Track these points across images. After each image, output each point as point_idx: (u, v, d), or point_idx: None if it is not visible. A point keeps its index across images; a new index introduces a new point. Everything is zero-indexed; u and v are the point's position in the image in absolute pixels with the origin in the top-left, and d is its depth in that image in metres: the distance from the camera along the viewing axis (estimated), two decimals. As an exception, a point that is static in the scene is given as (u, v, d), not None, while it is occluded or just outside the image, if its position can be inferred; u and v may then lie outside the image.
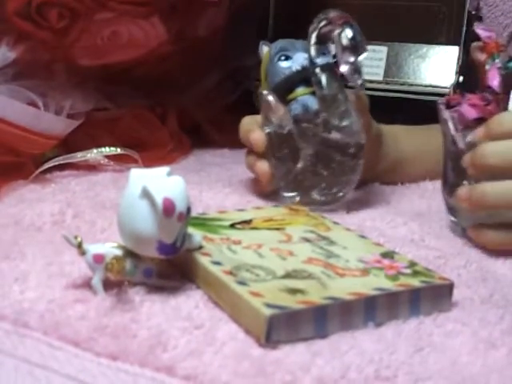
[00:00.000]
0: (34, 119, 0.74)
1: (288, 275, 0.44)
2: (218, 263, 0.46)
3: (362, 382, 0.36)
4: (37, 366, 0.36)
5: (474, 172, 0.56)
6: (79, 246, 0.43)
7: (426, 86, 0.91)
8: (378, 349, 0.39)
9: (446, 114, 0.59)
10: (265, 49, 0.70)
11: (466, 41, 0.91)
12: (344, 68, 0.61)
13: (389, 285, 0.44)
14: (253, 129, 0.67)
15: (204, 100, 1.00)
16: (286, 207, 0.61)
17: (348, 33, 0.61)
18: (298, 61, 0.66)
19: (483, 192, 0.55)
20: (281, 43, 0.69)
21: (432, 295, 0.44)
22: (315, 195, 0.65)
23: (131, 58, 0.83)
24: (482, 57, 0.62)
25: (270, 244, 0.50)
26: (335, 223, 0.57)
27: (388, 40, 0.94)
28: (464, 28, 0.91)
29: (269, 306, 0.39)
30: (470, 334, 0.41)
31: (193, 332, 0.40)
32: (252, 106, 1.04)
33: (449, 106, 0.60)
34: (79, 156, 0.76)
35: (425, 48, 0.94)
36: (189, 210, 0.44)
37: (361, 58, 0.61)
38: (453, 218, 0.62)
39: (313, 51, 0.64)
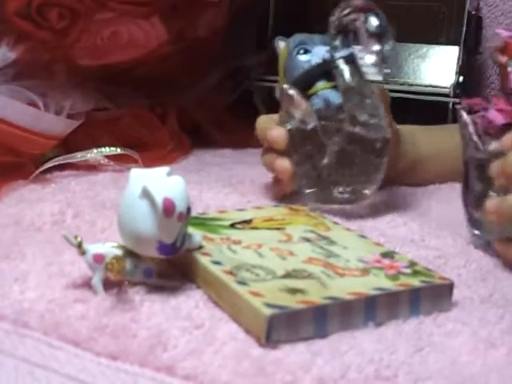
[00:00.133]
0: (34, 119, 0.74)
1: (288, 275, 0.44)
2: (218, 263, 0.46)
3: (362, 381, 0.36)
4: (37, 366, 0.36)
5: (504, 182, 0.52)
6: (79, 245, 0.43)
7: (426, 86, 0.91)
8: (378, 348, 0.39)
9: (468, 119, 0.56)
10: (281, 44, 0.68)
11: (466, 41, 0.91)
12: (370, 58, 0.59)
13: (389, 284, 0.44)
14: (271, 126, 0.65)
15: (204, 100, 1.00)
16: (286, 207, 0.61)
17: (373, 20, 0.58)
18: (318, 54, 0.64)
19: None
20: (299, 37, 0.66)
21: (432, 295, 0.44)
22: (338, 194, 0.63)
23: (131, 58, 0.83)
24: (503, 59, 0.59)
25: (270, 244, 0.50)
26: (335, 223, 0.57)
27: (388, 40, 0.94)
28: (464, 28, 0.91)
29: (269, 305, 0.39)
30: (469, 333, 0.41)
31: (193, 332, 0.40)
32: (252, 105, 1.05)
33: (471, 111, 0.57)
34: (79, 156, 0.76)
35: (425, 48, 0.94)
36: (189, 209, 0.44)
37: (387, 47, 0.59)
38: (476, 231, 0.57)
39: (334, 42, 0.62)
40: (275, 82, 0.99)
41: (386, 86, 0.91)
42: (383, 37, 0.58)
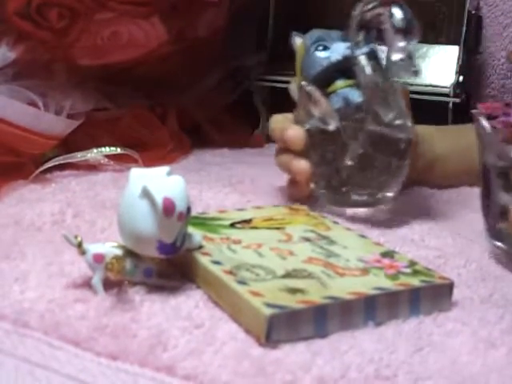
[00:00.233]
0: (34, 119, 0.74)
1: (288, 275, 0.44)
2: (218, 263, 0.46)
3: (362, 381, 0.36)
4: (37, 366, 0.37)
5: None
6: (79, 245, 0.43)
7: (426, 86, 0.91)
8: (378, 348, 0.39)
9: (487, 125, 0.52)
10: (298, 40, 0.65)
11: (466, 40, 0.91)
12: (396, 55, 0.55)
13: (389, 284, 0.44)
14: (288, 126, 0.63)
15: (204, 100, 1.00)
16: (286, 206, 0.61)
17: (399, 14, 0.55)
18: (337, 50, 0.61)
19: None
20: (316, 33, 0.64)
21: (432, 295, 0.44)
22: (357, 196, 0.60)
23: (131, 58, 0.83)
24: None
25: (269, 243, 0.50)
26: (335, 223, 0.57)
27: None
28: (464, 28, 0.91)
29: (269, 305, 0.39)
30: (469, 333, 0.41)
31: (193, 332, 0.40)
32: (252, 105, 1.05)
33: (490, 117, 0.53)
34: (79, 156, 0.76)
35: (425, 48, 0.94)
36: (189, 209, 0.44)
37: (413, 42, 0.55)
38: (497, 243, 0.54)
39: (356, 38, 0.59)
40: (275, 82, 1.00)
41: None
42: (410, 32, 0.55)
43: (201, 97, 1.00)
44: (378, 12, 0.57)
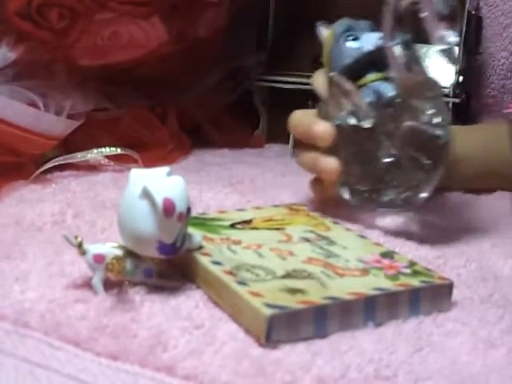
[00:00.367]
0: (35, 120, 0.74)
1: (288, 275, 0.44)
2: (218, 263, 0.46)
3: (362, 381, 0.36)
4: (37, 366, 0.37)
5: None
6: (79, 245, 0.43)
7: (426, 86, 0.91)
8: (377, 348, 0.39)
9: None
10: (324, 30, 0.61)
11: (466, 41, 0.91)
12: (439, 45, 0.51)
13: (388, 285, 0.44)
14: (315, 121, 0.59)
15: (204, 100, 1.00)
16: (285, 207, 0.61)
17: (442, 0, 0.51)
18: (368, 41, 0.58)
19: None
20: (346, 22, 0.60)
21: (432, 295, 0.44)
22: (388, 197, 0.57)
23: (131, 59, 0.83)
24: None
25: (269, 244, 0.50)
26: (335, 223, 0.57)
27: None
28: (464, 28, 0.91)
29: (269, 305, 0.39)
30: (469, 333, 0.41)
31: (193, 332, 0.40)
32: (252, 105, 1.05)
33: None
34: (79, 156, 0.76)
35: (425, 48, 0.94)
36: (189, 210, 0.44)
37: (456, 31, 0.51)
38: None
39: (390, 28, 0.55)
40: (275, 82, 1.00)
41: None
42: (453, 19, 0.51)
43: (201, 97, 1.00)
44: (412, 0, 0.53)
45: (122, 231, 0.45)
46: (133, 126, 0.88)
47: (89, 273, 0.44)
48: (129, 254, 0.45)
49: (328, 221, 0.57)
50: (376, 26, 0.59)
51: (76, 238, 0.43)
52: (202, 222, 0.54)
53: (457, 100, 0.88)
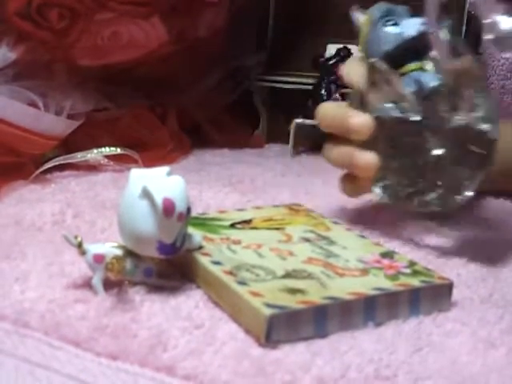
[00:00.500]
0: (35, 120, 0.74)
1: (288, 275, 0.44)
2: (218, 263, 0.46)
3: (362, 381, 0.36)
4: (37, 366, 0.37)
5: None
6: (79, 245, 0.43)
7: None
8: (377, 348, 0.39)
9: None
10: (359, 16, 0.57)
11: (466, 40, 0.91)
12: (492, 32, 0.47)
13: (388, 285, 0.44)
14: (352, 113, 0.55)
15: (204, 100, 1.00)
16: (285, 207, 0.61)
17: None
18: (410, 26, 0.54)
19: None
20: (385, 6, 0.56)
21: (431, 295, 0.44)
22: (428, 196, 0.53)
23: (131, 59, 0.83)
24: None
25: (269, 244, 0.50)
26: (335, 223, 0.57)
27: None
28: (464, 28, 0.91)
29: (269, 305, 0.39)
30: (469, 333, 0.41)
31: (193, 332, 0.40)
32: (252, 105, 1.05)
33: None
34: (79, 156, 0.76)
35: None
36: (189, 209, 0.44)
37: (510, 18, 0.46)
38: None
39: (436, 11, 0.50)
40: (275, 82, 1.00)
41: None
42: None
43: (201, 97, 1.00)
44: None
45: (121, 231, 0.45)
46: (133, 125, 0.88)
47: (89, 273, 0.44)
48: (129, 253, 0.45)
49: (328, 220, 0.57)
50: (414, 13, 0.55)
51: (76, 237, 0.43)
52: (202, 222, 0.54)
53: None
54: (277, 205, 0.63)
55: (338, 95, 0.92)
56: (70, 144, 0.79)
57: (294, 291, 0.41)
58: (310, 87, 0.95)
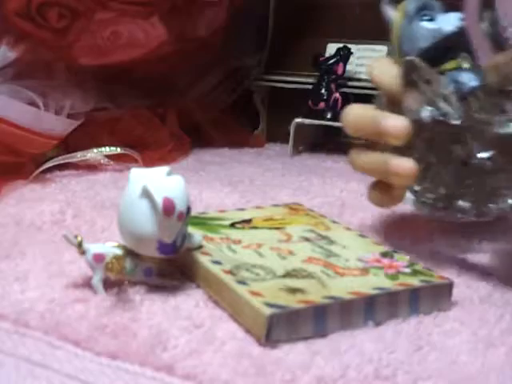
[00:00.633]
0: (35, 119, 0.74)
1: (288, 274, 0.44)
2: (218, 263, 0.46)
3: (362, 381, 0.36)
4: (37, 366, 0.37)
5: None
6: (79, 245, 0.43)
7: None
8: (377, 348, 0.39)
9: None
10: (390, 9, 0.53)
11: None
12: None
13: (388, 284, 0.44)
14: (385, 115, 0.50)
15: (204, 100, 1.00)
16: (285, 206, 0.61)
17: None
18: (447, 21, 0.50)
19: None
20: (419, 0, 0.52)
21: (431, 294, 0.44)
22: (465, 204, 0.50)
23: (131, 58, 0.83)
24: None
25: (269, 243, 0.50)
26: (335, 222, 0.57)
27: (387, 39, 0.94)
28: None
29: (269, 305, 0.39)
30: (469, 333, 0.41)
31: (193, 331, 0.40)
32: (252, 105, 1.05)
33: None
34: (79, 156, 0.76)
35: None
36: (189, 209, 0.44)
37: None
38: None
39: (477, 4, 0.48)
40: (275, 81, 1.00)
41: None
42: None
43: (201, 97, 1.00)
44: None
45: (121, 231, 0.45)
46: (133, 125, 0.88)
47: (89, 272, 0.44)
48: (129, 253, 0.45)
49: (328, 220, 0.57)
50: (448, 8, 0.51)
51: (76, 237, 0.44)
52: (202, 222, 0.54)
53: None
54: (277, 204, 0.63)
55: (338, 95, 0.92)
56: (69, 143, 0.79)
57: (293, 291, 0.41)
58: (310, 87, 0.95)
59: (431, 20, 0.50)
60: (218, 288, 0.44)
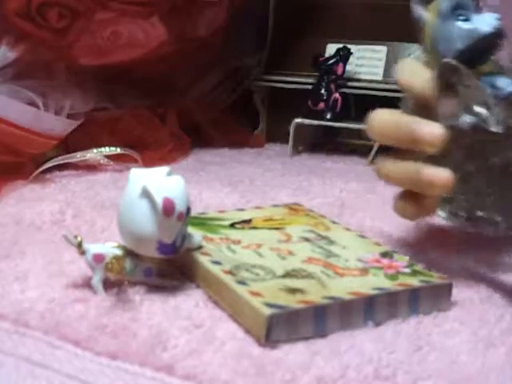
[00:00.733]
0: (34, 119, 0.74)
1: (287, 275, 0.44)
2: (217, 263, 0.46)
3: (362, 381, 0.36)
4: (37, 365, 0.37)
5: None
6: (79, 245, 0.43)
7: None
8: (377, 348, 0.39)
9: None
10: (420, 9, 0.50)
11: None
12: None
13: (388, 284, 0.44)
14: (420, 122, 0.46)
15: (204, 100, 1.00)
16: (285, 206, 0.61)
17: None
18: (484, 21, 0.47)
19: None
20: None
21: (431, 294, 0.44)
22: (500, 217, 0.48)
23: (131, 58, 0.83)
24: None
25: (269, 243, 0.50)
26: (335, 223, 0.57)
27: (388, 39, 0.95)
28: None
29: (268, 305, 0.39)
30: (469, 333, 0.41)
31: (193, 331, 0.40)
32: (252, 105, 1.05)
33: None
34: (79, 156, 0.76)
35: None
36: (188, 209, 0.44)
37: None
38: None
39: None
40: (275, 81, 1.00)
41: (385, 86, 0.92)
42: None
43: (201, 97, 1.00)
44: None
45: (121, 231, 0.45)
46: (133, 125, 0.88)
47: (88, 272, 0.44)
48: (128, 253, 0.45)
49: (328, 220, 0.57)
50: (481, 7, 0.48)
51: (76, 237, 0.44)
52: (202, 222, 0.54)
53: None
54: (276, 204, 0.63)
55: (337, 95, 0.92)
56: (69, 144, 0.79)
57: (293, 291, 0.41)
58: (310, 87, 0.95)
59: (466, 20, 0.47)
60: (218, 288, 0.44)
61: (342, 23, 0.98)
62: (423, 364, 0.38)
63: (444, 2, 0.48)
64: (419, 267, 0.47)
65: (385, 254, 0.49)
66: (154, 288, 0.45)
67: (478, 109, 0.44)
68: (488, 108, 0.45)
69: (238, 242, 0.50)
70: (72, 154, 0.76)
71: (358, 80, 0.94)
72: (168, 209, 0.42)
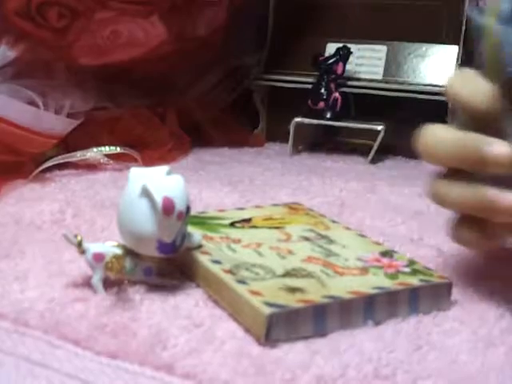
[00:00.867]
0: (34, 119, 0.74)
1: (287, 274, 0.44)
2: (217, 262, 0.46)
3: (361, 380, 0.36)
4: (37, 365, 0.37)
5: None
6: (79, 244, 0.43)
7: (426, 85, 0.91)
8: (377, 347, 0.39)
9: None
10: (477, 15, 0.46)
11: (466, 40, 0.91)
12: None
13: (388, 283, 0.44)
14: (485, 140, 0.41)
15: (204, 100, 1.00)
16: (285, 206, 0.61)
17: None
18: None
19: None
20: None
21: (431, 294, 0.44)
22: None
23: (131, 58, 0.83)
24: None
25: (269, 243, 0.50)
26: (334, 222, 0.57)
27: (387, 39, 0.95)
28: (464, 27, 0.91)
29: (268, 304, 0.39)
30: (469, 332, 0.41)
31: (192, 330, 0.40)
32: (252, 105, 1.05)
33: None
34: (79, 155, 0.76)
35: (424, 47, 0.94)
36: (188, 208, 0.44)
37: None
38: None
39: None
40: (275, 81, 1.00)
41: (385, 86, 0.92)
42: None
43: (201, 96, 1.00)
44: None
45: (121, 230, 0.45)
46: (132, 125, 0.88)
47: (88, 272, 0.44)
48: (128, 252, 0.45)
49: (327, 219, 0.57)
50: None
51: (76, 236, 0.44)
52: (202, 221, 0.54)
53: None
54: (276, 204, 0.63)
55: (337, 94, 0.92)
56: (69, 143, 0.79)
57: (293, 290, 0.42)
58: (310, 86, 0.95)
59: None
60: (218, 287, 0.44)
61: (342, 23, 0.98)
62: (423, 363, 0.38)
63: (505, 3, 0.44)
64: (419, 266, 0.47)
65: (385, 253, 0.49)
66: (154, 287, 0.45)
67: None
68: None
69: (237, 241, 0.50)
70: (72, 154, 0.76)
71: (358, 79, 0.94)
72: (168, 208, 0.42)
